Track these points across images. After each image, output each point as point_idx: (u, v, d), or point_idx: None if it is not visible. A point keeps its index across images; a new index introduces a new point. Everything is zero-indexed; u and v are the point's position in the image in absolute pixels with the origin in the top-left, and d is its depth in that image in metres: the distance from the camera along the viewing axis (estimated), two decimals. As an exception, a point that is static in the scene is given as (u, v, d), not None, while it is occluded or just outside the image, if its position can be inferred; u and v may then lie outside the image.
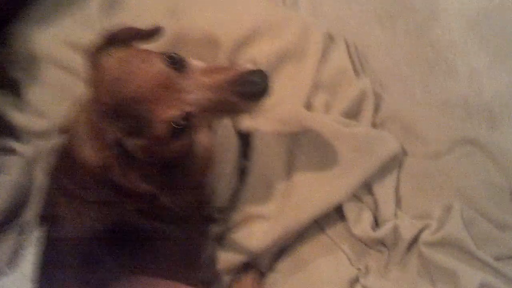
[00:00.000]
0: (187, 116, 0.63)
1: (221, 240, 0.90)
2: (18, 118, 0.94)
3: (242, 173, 0.93)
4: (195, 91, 0.62)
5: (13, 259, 0.89)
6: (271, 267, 0.91)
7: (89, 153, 0.66)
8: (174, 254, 0.79)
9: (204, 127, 0.69)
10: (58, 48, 0.96)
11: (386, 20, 1.05)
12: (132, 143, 0.65)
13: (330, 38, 1.00)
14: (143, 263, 0.74)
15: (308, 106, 0.95)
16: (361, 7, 1.07)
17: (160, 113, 0.61)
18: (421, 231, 0.83)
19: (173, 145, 0.66)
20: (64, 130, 0.74)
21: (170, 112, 0.62)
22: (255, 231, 0.87)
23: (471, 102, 0.97)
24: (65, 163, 0.73)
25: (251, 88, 0.63)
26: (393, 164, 0.88)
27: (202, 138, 0.80)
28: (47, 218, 0.76)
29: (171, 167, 0.73)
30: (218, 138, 0.91)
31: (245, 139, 0.94)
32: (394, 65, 1.00)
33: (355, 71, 0.99)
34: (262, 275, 0.91)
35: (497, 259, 0.81)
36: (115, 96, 0.62)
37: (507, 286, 0.79)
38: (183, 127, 0.64)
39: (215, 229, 0.90)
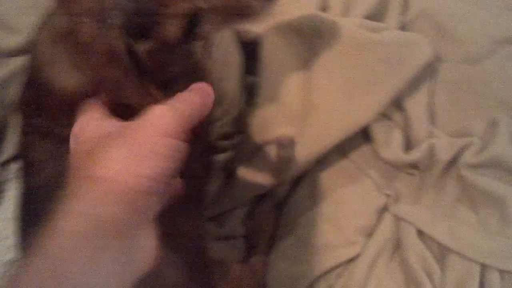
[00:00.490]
0: (197, 14, 0.51)
1: (232, 171, 0.79)
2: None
3: (251, 92, 0.80)
4: None
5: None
6: (289, 197, 0.81)
7: (69, 75, 0.52)
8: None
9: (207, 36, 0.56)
10: None
11: None
12: (141, 48, 0.50)
13: None
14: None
15: (324, 7, 0.80)
16: None
17: (171, 5, 0.49)
18: (461, 151, 0.72)
19: (180, 51, 0.54)
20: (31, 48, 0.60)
21: (183, 5, 0.49)
22: (270, 162, 0.75)
23: (511, -9, 0.83)
24: (31, 92, 0.60)
25: None
26: (426, 72, 0.75)
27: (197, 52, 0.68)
28: (22, 161, 0.65)
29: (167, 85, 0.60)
30: (216, 51, 0.77)
31: (250, 51, 0.80)
32: None
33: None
34: (279, 207, 0.81)
35: (549, 177, 0.71)
36: None
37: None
38: (192, 28, 0.52)
39: (222, 158, 0.79)
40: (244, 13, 0.55)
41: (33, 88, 0.58)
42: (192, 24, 0.51)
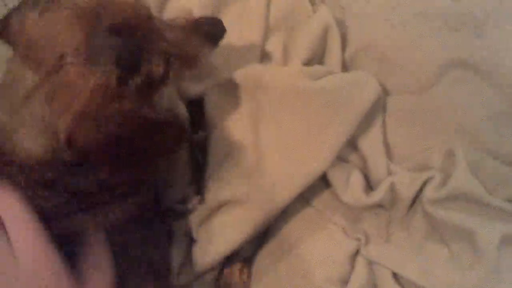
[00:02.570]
0: (169, 59, 0.55)
1: (193, 236, 0.76)
2: None
3: (204, 151, 0.78)
4: (168, 31, 0.55)
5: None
6: (256, 253, 0.78)
7: (35, 140, 0.50)
8: (133, 263, 0.66)
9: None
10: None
11: None
12: (134, 82, 0.52)
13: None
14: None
15: (264, 56, 0.78)
16: None
17: (155, 42, 0.53)
18: (423, 186, 0.70)
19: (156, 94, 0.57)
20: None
21: (163, 45, 0.54)
22: (230, 220, 0.72)
23: (451, 11, 0.82)
24: None
25: (212, 28, 0.62)
26: (376, 109, 0.73)
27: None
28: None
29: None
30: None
31: (196, 109, 0.78)
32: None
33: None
34: (247, 263, 0.78)
35: (512, 201, 0.70)
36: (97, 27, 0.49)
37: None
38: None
39: (182, 224, 0.76)
40: (193, 62, 0.59)
41: None
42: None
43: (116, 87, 0.49)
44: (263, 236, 0.77)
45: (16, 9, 0.54)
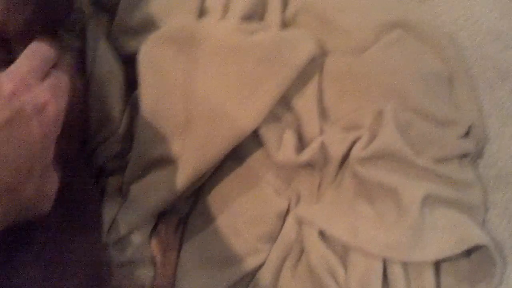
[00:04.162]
0: None
1: (127, 191, 0.74)
2: None
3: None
4: None
5: None
6: (191, 211, 0.78)
7: None
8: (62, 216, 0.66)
9: None
10: None
11: None
12: None
13: None
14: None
15: (203, 11, 0.77)
16: None
17: None
18: (352, 145, 0.71)
19: None
20: None
21: None
22: (162, 177, 0.72)
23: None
24: None
25: None
26: (312, 68, 0.73)
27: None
28: None
29: None
30: (96, 67, 0.73)
31: (133, 68, 0.76)
32: None
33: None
34: (182, 221, 0.78)
35: (439, 161, 0.70)
36: None
37: (452, 188, 0.69)
38: None
39: (115, 180, 0.76)
40: None
41: None
42: None
43: None
44: (198, 194, 0.77)
45: None
